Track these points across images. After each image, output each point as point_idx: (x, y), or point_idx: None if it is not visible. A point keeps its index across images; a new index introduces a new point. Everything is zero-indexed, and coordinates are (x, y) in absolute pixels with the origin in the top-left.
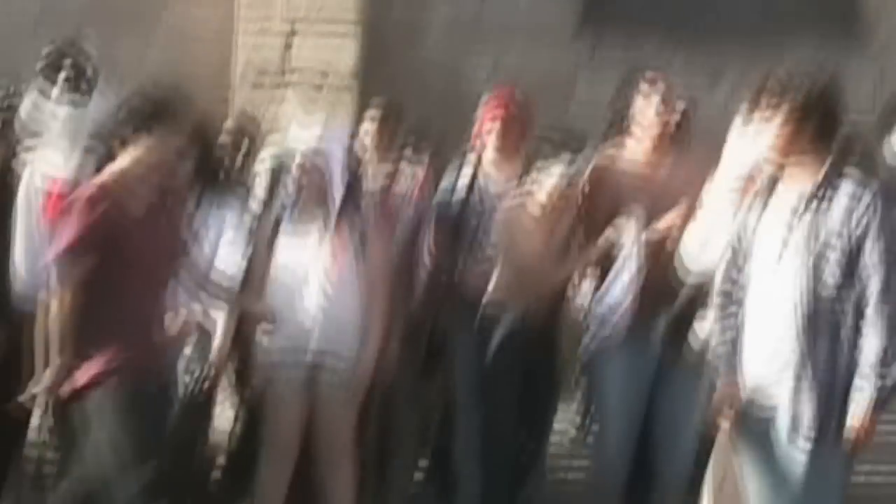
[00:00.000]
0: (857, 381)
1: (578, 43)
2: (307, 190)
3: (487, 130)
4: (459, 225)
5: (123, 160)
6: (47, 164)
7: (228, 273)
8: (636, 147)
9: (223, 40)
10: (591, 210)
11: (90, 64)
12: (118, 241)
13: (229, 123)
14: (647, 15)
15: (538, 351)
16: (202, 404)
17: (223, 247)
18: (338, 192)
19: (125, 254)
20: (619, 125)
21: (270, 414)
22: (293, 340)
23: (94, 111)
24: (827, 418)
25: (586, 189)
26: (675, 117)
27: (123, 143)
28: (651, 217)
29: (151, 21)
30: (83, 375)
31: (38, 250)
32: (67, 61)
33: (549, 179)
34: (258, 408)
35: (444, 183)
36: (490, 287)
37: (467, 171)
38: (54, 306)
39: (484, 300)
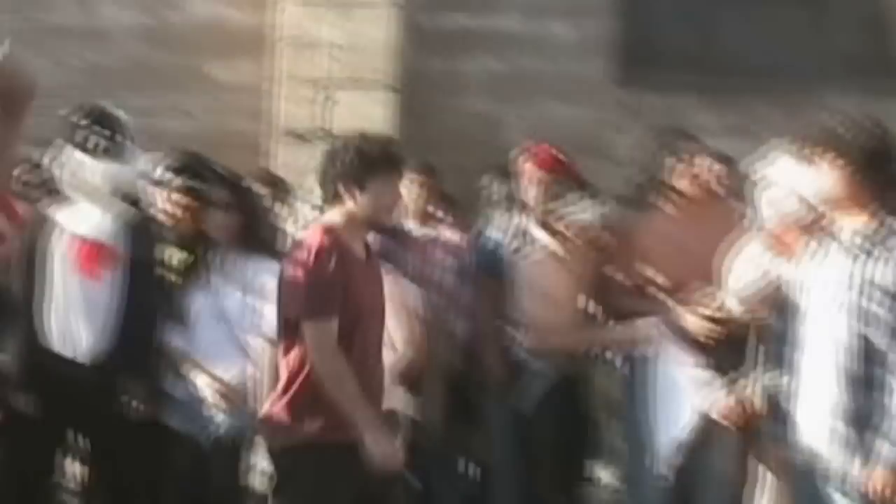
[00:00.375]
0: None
1: (617, 97)
2: None
3: (533, 182)
4: (504, 275)
5: (349, 205)
6: (77, 221)
7: None
8: (670, 215)
9: (261, 99)
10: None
11: (118, 124)
12: (347, 290)
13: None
14: (687, 70)
15: (573, 405)
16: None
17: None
18: None
19: (352, 301)
20: (650, 188)
21: None
22: None
23: (122, 170)
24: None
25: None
26: (713, 183)
27: (349, 187)
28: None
29: (190, 81)
30: (308, 428)
31: (69, 308)
32: (96, 126)
33: (579, 218)
34: None
35: (491, 233)
36: (524, 337)
37: (516, 223)
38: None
39: (518, 351)
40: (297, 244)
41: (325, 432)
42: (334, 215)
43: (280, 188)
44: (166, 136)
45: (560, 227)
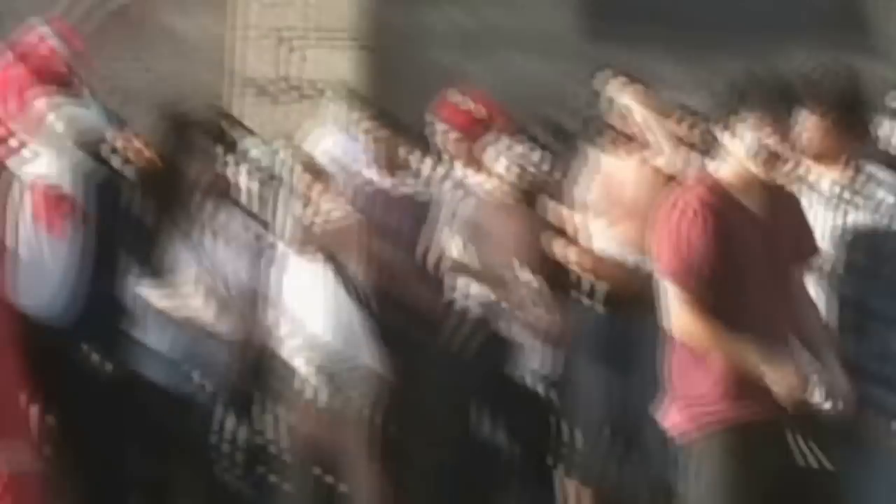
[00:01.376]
0: None
1: (584, 51)
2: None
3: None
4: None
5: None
6: (36, 168)
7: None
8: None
9: (220, 51)
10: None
11: (74, 73)
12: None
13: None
14: (649, 22)
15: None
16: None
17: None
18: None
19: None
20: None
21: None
22: (310, 348)
23: (82, 114)
24: None
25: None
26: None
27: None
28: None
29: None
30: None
31: (31, 262)
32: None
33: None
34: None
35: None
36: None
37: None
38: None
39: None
40: None
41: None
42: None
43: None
44: (129, 92)
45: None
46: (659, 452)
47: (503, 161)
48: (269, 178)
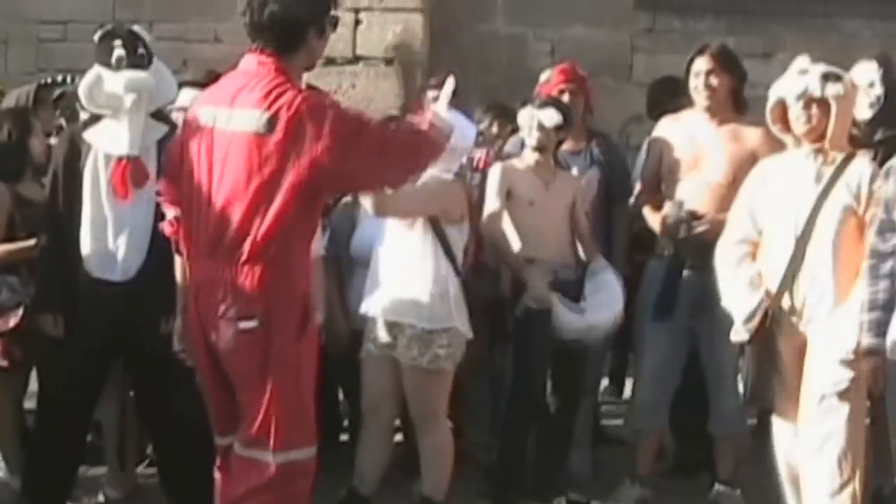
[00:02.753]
0: None
1: (637, 20)
2: None
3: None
4: None
5: None
6: (110, 141)
7: None
8: (692, 114)
9: None
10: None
11: (142, 43)
12: None
13: None
14: None
15: None
16: None
17: None
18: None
19: None
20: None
21: (363, 380)
22: (403, 308)
23: (142, 79)
24: None
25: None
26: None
27: None
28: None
29: (221, 6)
30: None
31: (103, 229)
32: (118, 41)
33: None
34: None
35: (511, 148)
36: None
37: None
38: None
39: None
40: None
41: None
42: None
43: None
44: (197, 61)
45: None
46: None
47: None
48: None
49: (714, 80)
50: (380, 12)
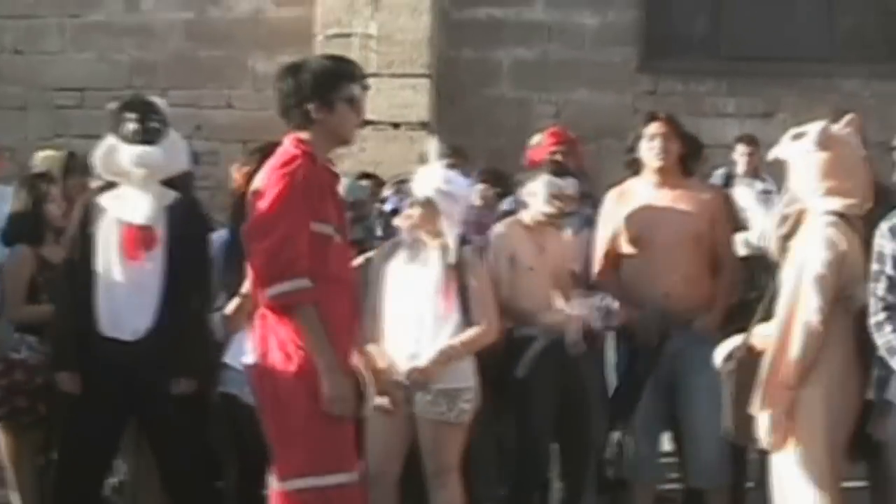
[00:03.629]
0: None
1: (638, 83)
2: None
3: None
4: None
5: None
6: (120, 206)
7: None
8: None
9: None
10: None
11: (157, 113)
12: None
13: None
14: (704, 56)
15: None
16: None
17: None
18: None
19: None
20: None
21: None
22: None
23: (154, 153)
24: None
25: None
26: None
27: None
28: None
29: (235, 74)
30: None
31: (115, 291)
32: (133, 114)
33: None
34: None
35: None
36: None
37: None
38: None
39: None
40: None
41: None
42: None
43: None
44: (211, 127)
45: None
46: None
47: (542, 193)
48: (355, 208)
49: (666, 144)
50: (388, 77)
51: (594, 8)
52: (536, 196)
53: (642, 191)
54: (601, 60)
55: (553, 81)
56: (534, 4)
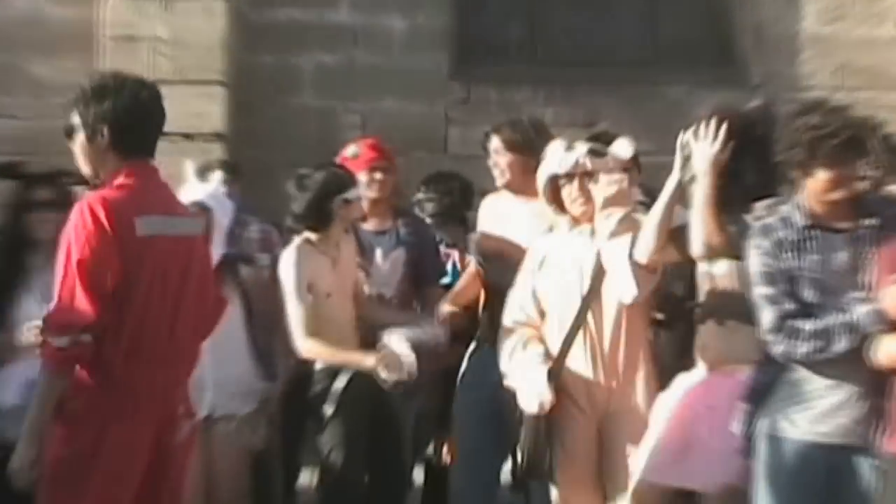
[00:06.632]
0: None
1: (451, 91)
2: None
3: (367, 180)
4: None
5: None
6: None
7: None
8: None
9: None
10: None
11: None
12: None
13: None
14: (520, 62)
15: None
16: None
17: None
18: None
19: None
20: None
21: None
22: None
23: None
24: None
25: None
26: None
27: None
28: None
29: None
30: None
31: None
32: None
33: None
34: None
35: None
36: None
37: None
38: None
39: None
40: None
41: None
42: None
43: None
44: None
45: None
46: None
47: None
48: None
49: (505, 160)
50: (180, 85)
51: (403, 11)
52: None
53: (505, 202)
54: (411, 67)
55: (359, 89)
56: (338, 6)
